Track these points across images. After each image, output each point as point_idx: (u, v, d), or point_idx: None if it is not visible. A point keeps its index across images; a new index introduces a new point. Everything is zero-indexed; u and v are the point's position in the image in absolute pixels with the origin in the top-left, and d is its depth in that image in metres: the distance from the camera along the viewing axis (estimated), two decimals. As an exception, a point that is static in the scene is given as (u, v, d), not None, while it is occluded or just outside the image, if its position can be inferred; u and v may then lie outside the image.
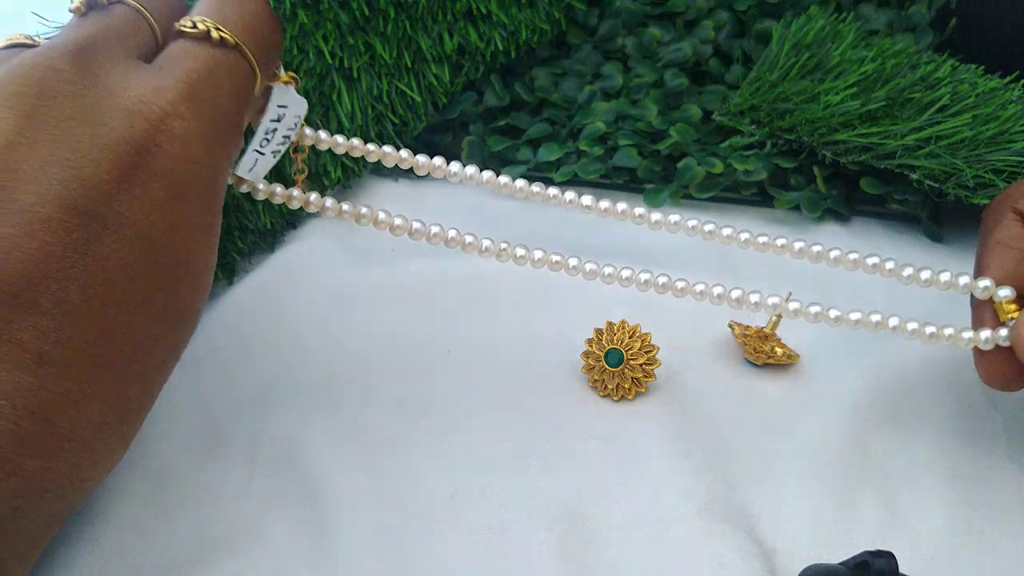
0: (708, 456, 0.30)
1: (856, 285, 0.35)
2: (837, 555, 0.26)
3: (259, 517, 0.27)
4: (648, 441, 0.30)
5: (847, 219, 0.41)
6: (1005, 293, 0.27)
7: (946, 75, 0.41)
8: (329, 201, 0.27)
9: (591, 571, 0.26)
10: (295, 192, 0.27)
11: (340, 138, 0.28)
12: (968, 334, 0.27)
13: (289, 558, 0.26)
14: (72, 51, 0.21)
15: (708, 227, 0.28)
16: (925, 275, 0.27)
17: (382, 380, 0.32)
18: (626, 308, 0.33)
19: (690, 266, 0.37)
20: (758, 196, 0.42)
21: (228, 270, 0.37)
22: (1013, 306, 0.27)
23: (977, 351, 0.28)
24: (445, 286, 0.36)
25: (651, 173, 0.41)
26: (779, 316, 0.32)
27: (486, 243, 0.27)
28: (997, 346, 0.27)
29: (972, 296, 0.28)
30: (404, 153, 0.28)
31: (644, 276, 0.27)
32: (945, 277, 0.27)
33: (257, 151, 0.26)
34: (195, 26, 0.23)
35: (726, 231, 0.28)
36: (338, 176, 0.40)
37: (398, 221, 0.27)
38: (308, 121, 0.38)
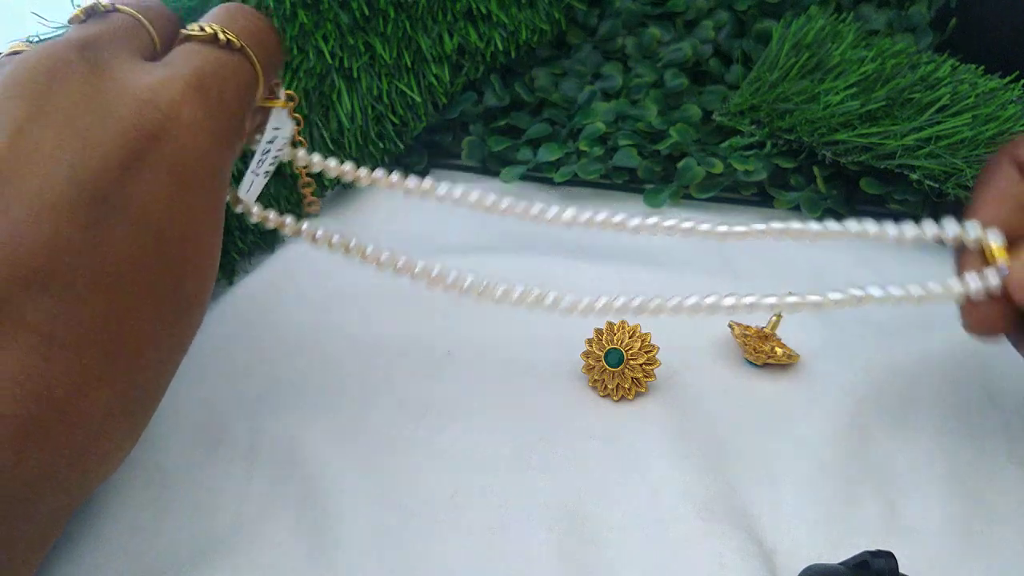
0: (708, 456, 0.30)
1: (851, 281, 0.35)
2: (837, 555, 0.26)
3: (259, 517, 0.27)
4: (648, 441, 0.30)
5: (847, 219, 0.41)
6: (995, 236, 0.26)
7: (946, 75, 0.41)
8: (320, 231, 0.28)
9: (591, 571, 0.26)
10: (288, 220, 0.28)
11: (332, 162, 0.28)
12: (956, 283, 0.26)
13: (289, 558, 0.26)
14: (79, 45, 0.22)
15: (703, 227, 0.28)
16: (911, 232, 0.26)
17: (382, 380, 0.32)
18: (626, 308, 0.33)
19: (690, 266, 0.37)
20: (758, 196, 0.42)
21: (228, 270, 0.37)
22: (1003, 252, 0.26)
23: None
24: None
25: (651, 173, 0.41)
26: (779, 316, 0.32)
27: (469, 279, 0.27)
28: (988, 293, 0.26)
29: (956, 251, 0.27)
30: (395, 177, 0.28)
31: (637, 302, 0.27)
32: (932, 231, 0.26)
33: (254, 172, 0.27)
34: (202, 30, 0.24)
35: (721, 228, 0.27)
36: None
37: (385, 256, 0.27)
38: (308, 121, 0.38)
